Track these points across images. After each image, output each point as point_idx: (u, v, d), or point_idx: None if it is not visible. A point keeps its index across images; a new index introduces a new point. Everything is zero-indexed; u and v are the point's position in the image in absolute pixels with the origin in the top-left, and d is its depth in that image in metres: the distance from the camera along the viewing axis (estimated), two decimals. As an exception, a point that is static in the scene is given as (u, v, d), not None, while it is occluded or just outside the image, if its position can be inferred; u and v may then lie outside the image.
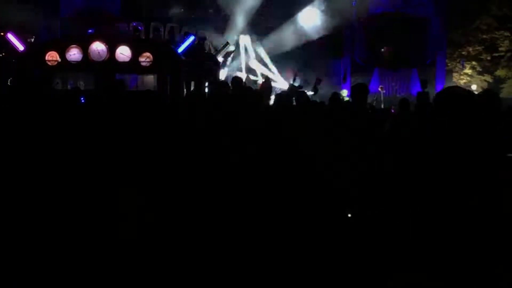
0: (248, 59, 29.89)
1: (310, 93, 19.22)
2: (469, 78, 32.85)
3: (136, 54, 18.41)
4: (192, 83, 19.62)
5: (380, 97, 27.50)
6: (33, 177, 7.89)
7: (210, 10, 30.40)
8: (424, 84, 21.04)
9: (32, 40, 21.54)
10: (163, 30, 20.57)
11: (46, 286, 6.53)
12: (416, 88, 27.39)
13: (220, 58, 24.21)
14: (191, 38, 19.55)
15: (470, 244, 5.01)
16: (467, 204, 5.35)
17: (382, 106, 25.08)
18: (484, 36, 32.64)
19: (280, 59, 30.36)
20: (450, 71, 32.88)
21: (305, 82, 25.84)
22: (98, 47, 18.46)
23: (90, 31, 22.01)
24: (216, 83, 13.74)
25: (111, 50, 18.40)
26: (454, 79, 32.76)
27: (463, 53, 33.07)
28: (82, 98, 11.70)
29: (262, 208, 7.21)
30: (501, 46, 32.39)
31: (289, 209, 7.31)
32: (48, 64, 18.57)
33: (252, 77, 28.53)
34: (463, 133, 5.30)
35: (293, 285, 6.36)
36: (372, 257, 6.60)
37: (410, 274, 5.19)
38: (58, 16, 30.72)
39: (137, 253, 6.74)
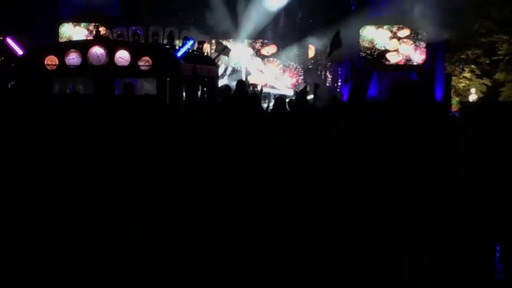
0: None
1: (310, 96, 19.24)
2: (468, 82, 32.86)
3: (135, 58, 18.39)
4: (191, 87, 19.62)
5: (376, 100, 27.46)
6: (37, 179, 7.91)
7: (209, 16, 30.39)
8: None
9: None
10: (162, 34, 20.55)
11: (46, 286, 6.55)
12: (415, 92, 27.37)
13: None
14: (190, 42, 19.54)
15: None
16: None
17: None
18: (483, 40, 32.66)
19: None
20: (449, 75, 32.86)
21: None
22: (97, 51, 18.44)
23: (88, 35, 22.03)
24: (219, 87, 13.73)
25: (110, 54, 18.38)
26: (453, 83, 32.76)
27: (462, 56, 33.08)
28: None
29: (262, 206, 7.24)
30: (500, 50, 32.40)
31: (288, 206, 7.35)
32: (47, 68, 18.56)
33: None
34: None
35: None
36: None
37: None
38: (57, 19, 30.75)
39: (141, 253, 6.76)
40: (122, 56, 18.44)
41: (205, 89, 20.12)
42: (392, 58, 32.56)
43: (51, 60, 18.59)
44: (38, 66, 18.43)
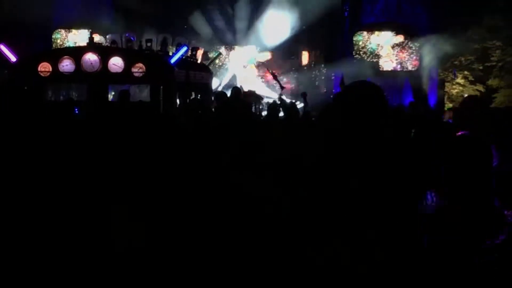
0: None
1: (301, 105, 19.26)
2: (461, 88, 32.94)
3: (128, 65, 18.41)
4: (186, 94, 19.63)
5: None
6: (28, 185, 7.90)
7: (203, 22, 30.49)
8: (416, 94, 21.11)
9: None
10: (155, 40, 20.57)
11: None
12: (409, 98, 27.47)
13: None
14: (184, 49, 19.57)
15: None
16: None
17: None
18: (476, 46, 32.73)
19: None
20: (442, 81, 32.95)
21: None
22: (90, 58, 18.46)
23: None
24: (216, 93, 13.74)
25: (104, 61, 18.40)
26: (446, 89, 32.85)
27: (455, 62, 33.16)
28: (76, 109, 11.74)
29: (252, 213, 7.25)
30: (493, 56, 32.48)
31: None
32: (41, 75, 18.56)
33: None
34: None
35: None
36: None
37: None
38: (51, 26, 30.76)
39: (137, 256, 6.77)
40: (116, 63, 18.46)
41: (199, 95, 20.14)
42: (385, 65, 32.68)
43: (44, 67, 18.60)
44: (32, 73, 18.42)
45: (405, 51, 32.73)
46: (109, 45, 20.73)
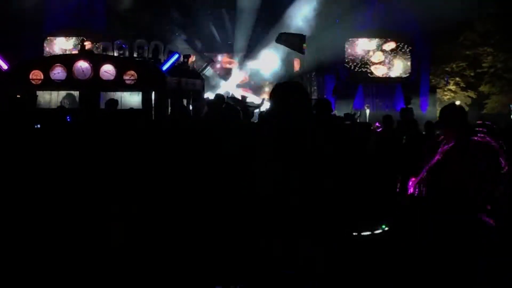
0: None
1: None
2: (453, 94, 33.01)
3: (120, 72, 18.40)
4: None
5: (365, 113, 27.66)
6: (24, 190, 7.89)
7: (194, 29, 30.51)
8: (408, 100, 21.12)
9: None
10: (147, 48, 20.55)
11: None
12: (400, 104, 27.51)
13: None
14: (176, 56, 19.55)
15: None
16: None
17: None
18: (468, 52, 32.82)
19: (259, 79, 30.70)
20: (434, 87, 33.03)
21: None
22: (82, 65, 18.45)
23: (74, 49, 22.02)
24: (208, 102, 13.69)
25: (95, 68, 18.39)
26: (438, 95, 32.92)
27: (447, 69, 33.24)
28: (68, 117, 11.71)
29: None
30: (484, 62, 32.56)
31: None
32: (32, 83, 18.53)
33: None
34: None
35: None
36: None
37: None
38: (42, 33, 30.72)
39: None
40: (107, 70, 18.44)
41: (190, 102, 20.12)
42: (377, 71, 32.75)
43: (36, 75, 18.58)
44: (23, 80, 18.39)
45: (397, 57, 32.80)
46: (100, 52, 20.72)
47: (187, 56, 21.98)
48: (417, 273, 6.48)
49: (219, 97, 11.04)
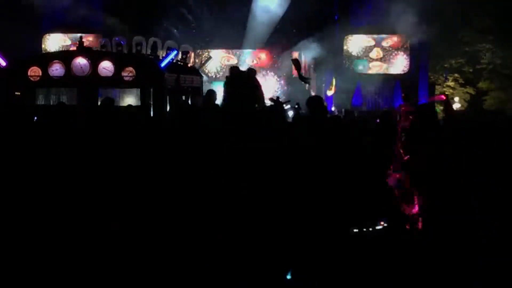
0: None
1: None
2: (451, 90, 32.99)
3: (118, 69, 18.39)
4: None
5: (363, 109, 27.66)
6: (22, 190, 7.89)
7: (193, 24, 30.44)
8: (406, 96, 21.10)
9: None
10: (145, 44, 20.53)
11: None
12: (399, 101, 27.50)
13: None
14: (174, 53, 19.55)
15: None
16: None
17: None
18: (466, 49, 32.81)
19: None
20: (433, 84, 33.02)
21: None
22: (80, 62, 18.43)
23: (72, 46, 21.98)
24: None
25: (94, 65, 18.38)
26: (437, 91, 32.89)
27: (446, 65, 33.23)
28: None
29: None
30: (483, 59, 32.57)
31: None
32: (31, 80, 18.52)
33: None
34: None
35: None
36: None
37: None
38: (40, 30, 30.68)
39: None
40: (106, 67, 18.44)
41: (189, 99, 20.10)
42: (376, 68, 32.72)
43: (34, 71, 18.57)
44: (22, 77, 18.39)
45: (395, 54, 32.77)
46: (99, 49, 20.70)
47: (185, 53, 21.95)
48: (417, 269, 6.49)
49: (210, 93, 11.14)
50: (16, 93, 18.48)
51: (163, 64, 18.81)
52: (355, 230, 7.81)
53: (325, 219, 7.40)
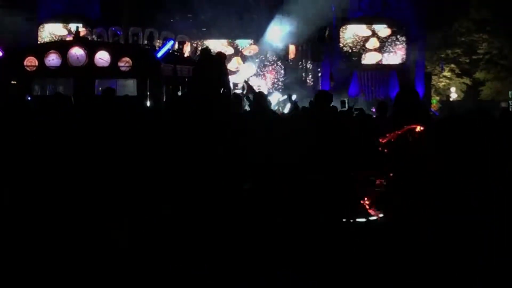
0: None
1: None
2: (448, 81, 33.05)
3: (115, 59, 18.38)
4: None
5: (361, 100, 27.67)
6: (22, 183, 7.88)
7: (189, 15, 30.35)
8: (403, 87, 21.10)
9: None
10: (142, 35, 20.51)
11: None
12: (395, 91, 27.48)
13: None
14: (170, 43, 19.53)
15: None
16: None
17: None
18: (463, 39, 32.86)
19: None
20: (429, 74, 33.04)
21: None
22: (77, 52, 18.42)
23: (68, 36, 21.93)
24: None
25: (90, 55, 18.37)
26: (433, 82, 32.93)
27: (442, 55, 33.26)
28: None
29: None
30: (479, 49, 32.62)
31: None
32: (27, 70, 18.51)
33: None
34: None
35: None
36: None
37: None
38: (36, 20, 30.57)
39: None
40: (102, 57, 18.43)
41: (185, 89, 20.10)
42: (372, 58, 32.68)
43: (30, 61, 18.56)
44: (18, 67, 18.37)
45: (392, 44, 32.74)
46: (95, 39, 20.68)
47: (182, 43, 21.94)
48: (417, 269, 6.49)
49: None
50: (12, 82, 18.47)
51: (159, 54, 18.80)
52: (347, 221, 7.82)
53: (318, 210, 7.44)
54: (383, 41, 32.55)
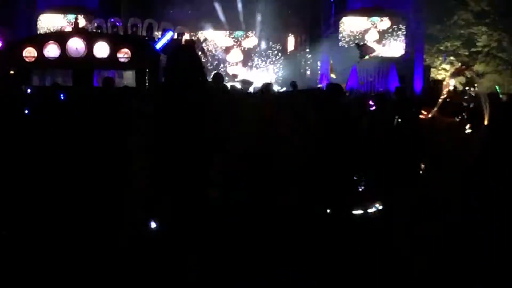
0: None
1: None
2: (447, 73, 33.01)
3: (114, 50, 18.37)
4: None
5: (360, 92, 27.63)
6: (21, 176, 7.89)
7: (188, 6, 30.33)
8: (402, 79, 21.10)
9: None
10: (141, 26, 20.49)
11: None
12: (394, 83, 27.47)
13: None
14: (170, 34, 19.53)
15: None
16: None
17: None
18: (462, 31, 32.80)
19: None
20: (428, 66, 33.00)
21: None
22: (76, 43, 18.40)
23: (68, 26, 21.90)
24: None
25: (89, 46, 18.35)
26: (432, 74, 32.89)
27: (441, 48, 33.22)
28: (62, 95, 11.70)
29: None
30: (479, 42, 32.57)
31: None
32: (26, 60, 18.49)
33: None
34: None
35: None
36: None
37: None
38: (35, 10, 30.51)
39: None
40: (101, 48, 18.41)
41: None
42: (372, 50, 32.63)
43: (29, 52, 18.54)
44: (17, 58, 18.36)
45: (391, 36, 32.69)
46: (94, 30, 20.66)
47: (181, 34, 21.92)
48: (413, 261, 6.50)
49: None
50: (11, 72, 18.46)
51: (158, 46, 18.80)
52: (347, 216, 7.82)
53: (318, 201, 7.44)
54: (382, 33, 32.52)
